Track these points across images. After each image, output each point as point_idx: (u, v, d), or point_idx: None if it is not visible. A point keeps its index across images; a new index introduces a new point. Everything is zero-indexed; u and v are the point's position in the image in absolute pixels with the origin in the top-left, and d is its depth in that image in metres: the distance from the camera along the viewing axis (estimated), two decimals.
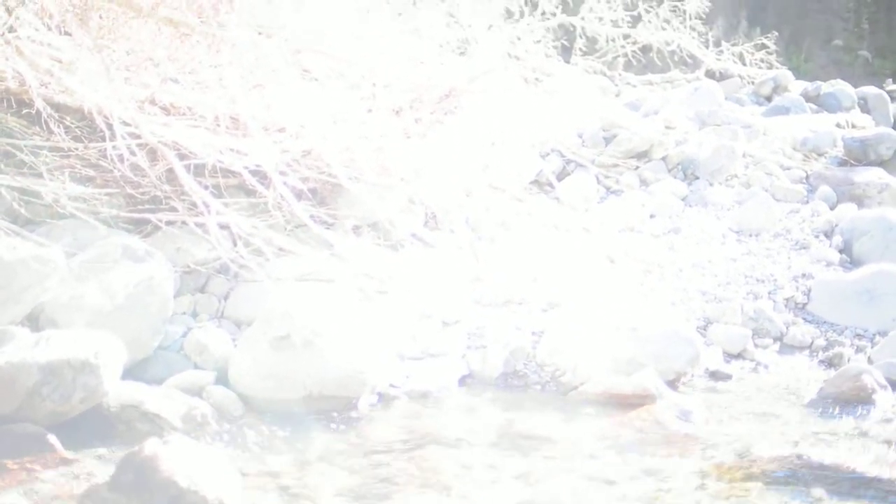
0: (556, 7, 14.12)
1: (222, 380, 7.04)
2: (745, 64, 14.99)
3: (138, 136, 8.19)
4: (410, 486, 6.01)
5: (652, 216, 10.03)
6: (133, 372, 6.96)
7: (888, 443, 6.89)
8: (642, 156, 11.05)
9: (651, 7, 14.47)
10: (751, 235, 9.76)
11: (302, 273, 7.85)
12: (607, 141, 11.23)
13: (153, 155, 8.25)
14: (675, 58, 14.87)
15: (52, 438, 6.09)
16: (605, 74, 14.92)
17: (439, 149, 9.79)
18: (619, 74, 15.31)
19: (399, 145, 9.35)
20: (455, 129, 10.23)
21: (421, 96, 10.35)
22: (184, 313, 7.70)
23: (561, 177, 10.53)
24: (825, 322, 8.60)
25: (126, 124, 8.16)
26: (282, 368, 6.93)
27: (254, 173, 8.33)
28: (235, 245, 7.88)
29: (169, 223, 7.98)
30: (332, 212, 8.58)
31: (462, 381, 7.58)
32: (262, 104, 8.96)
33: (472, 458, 6.42)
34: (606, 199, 10.35)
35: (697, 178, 10.76)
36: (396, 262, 8.46)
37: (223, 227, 7.90)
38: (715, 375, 7.89)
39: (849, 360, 8.13)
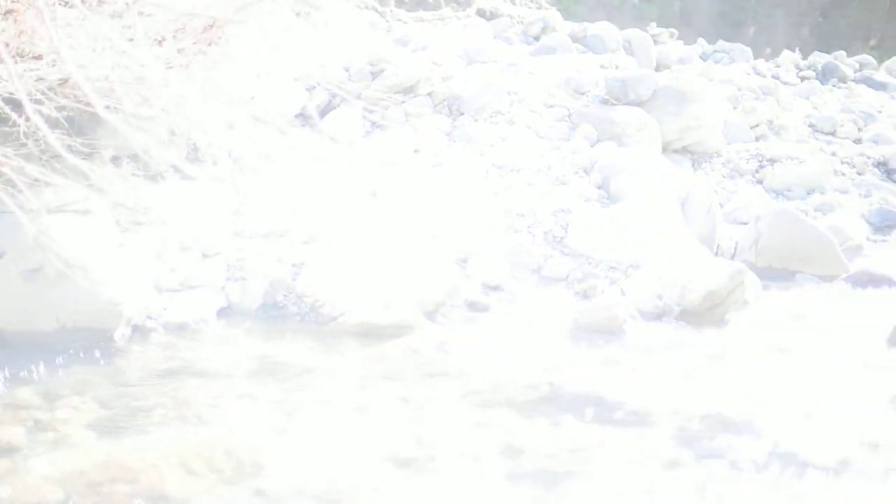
0: None
1: None
2: (514, 3, 15.17)
3: None
4: (164, 418, 5.98)
5: (416, 151, 10.07)
6: None
7: (635, 370, 7.16)
8: (408, 91, 11.07)
9: None
10: (513, 171, 9.89)
11: (57, 204, 7.63)
12: (374, 76, 11.21)
13: None
14: None
15: None
16: (376, 10, 14.88)
17: (202, 80, 9.63)
18: (391, 10, 15.30)
19: (161, 75, 9.15)
20: (219, 60, 10.08)
21: (184, 26, 10.14)
22: None
23: (326, 111, 10.48)
24: (581, 255, 8.79)
25: None
26: (34, 301, 6.79)
27: (7, 101, 8.06)
28: None
29: None
30: (90, 142, 8.35)
31: (221, 312, 7.54)
32: (15, 30, 8.66)
33: (228, 389, 6.42)
34: (371, 133, 10.35)
35: (462, 114, 10.83)
36: (156, 194, 8.32)
37: None
38: (474, 306, 8.01)
39: (603, 292, 8.35)
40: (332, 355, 7.04)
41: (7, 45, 8.36)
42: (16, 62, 8.22)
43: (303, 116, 10.32)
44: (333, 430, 6.00)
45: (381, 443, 5.87)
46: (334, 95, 10.73)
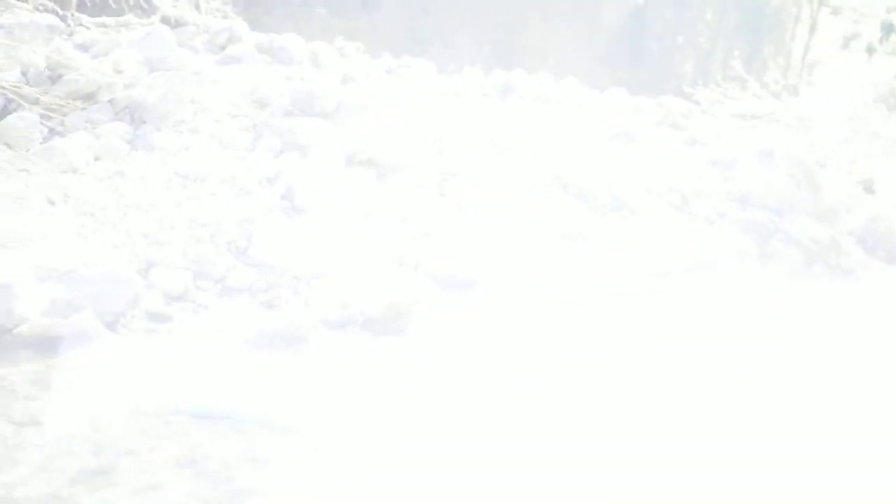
0: None
1: None
2: (201, 12, 15.04)
3: None
4: None
5: (97, 159, 9.86)
6: None
7: (315, 378, 7.25)
8: (89, 97, 10.84)
9: None
10: (196, 181, 9.81)
11: None
12: (53, 81, 10.93)
13: None
14: (131, 2, 14.70)
15: None
16: (56, 13, 14.46)
17: None
18: (72, 14, 14.90)
19: None
20: None
21: None
22: None
23: (1, 115, 10.13)
24: (265, 265, 8.81)
25: None
26: None
27: None
28: None
29: None
30: None
31: None
32: None
33: None
34: (50, 139, 10.06)
35: (145, 122, 10.68)
36: None
37: None
38: (155, 317, 7.91)
39: (287, 302, 8.40)
40: (7, 368, 6.82)
41: None
42: None
43: None
44: (10, 446, 5.84)
45: (61, 455, 5.78)
46: (10, 100, 10.40)
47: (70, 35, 13.79)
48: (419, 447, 6.31)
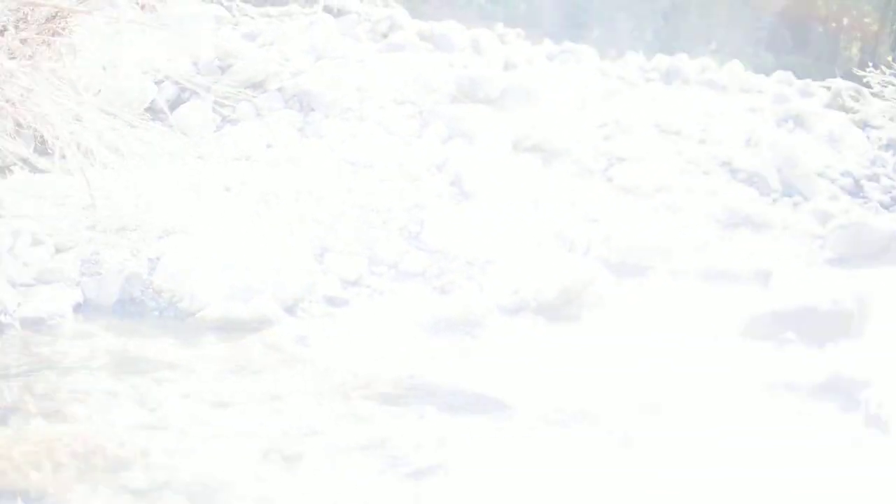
0: None
1: None
2: (362, 1, 15.15)
3: None
4: (25, 413, 5.81)
5: (269, 146, 10.01)
6: None
7: (494, 363, 7.23)
8: (258, 86, 11.00)
9: None
10: (365, 167, 9.90)
11: None
12: (223, 70, 11.12)
13: None
14: None
15: None
16: (222, 4, 14.70)
17: (47, 71, 9.41)
18: (237, 5, 15.13)
19: (4, 66, 8.91)
20: (64, 51, 9.86)
21: (26, 16, 9.90)
22: None
23: (176, 105, 10.33)
24: (437, 251, 8.85)
25: None
26: None
27: None
28: None
29: None
30: None
31: (77, 307, 7.37)
32: None
33: (88, 383, 6.28)
34: (223, 127, 10.25)
35: (313, 109, 10.80)
36: (5, 187, 8.11)
37: None
38: (332, 301, 7.99)
39: (460, 287, 8.41)
40: (192, 350, 6.94)
41: None
42: None
43: (152, 110, 10.14)
44: (197, 425, 5.91)
45: (247, 437, 5.81)
46: (184, 89, 10.59)
47: (236, 25, 14.01)
48: (616, 432, 6.21)
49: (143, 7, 11.81)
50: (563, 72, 13.99)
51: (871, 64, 14.86)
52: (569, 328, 8.00)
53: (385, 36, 14.12)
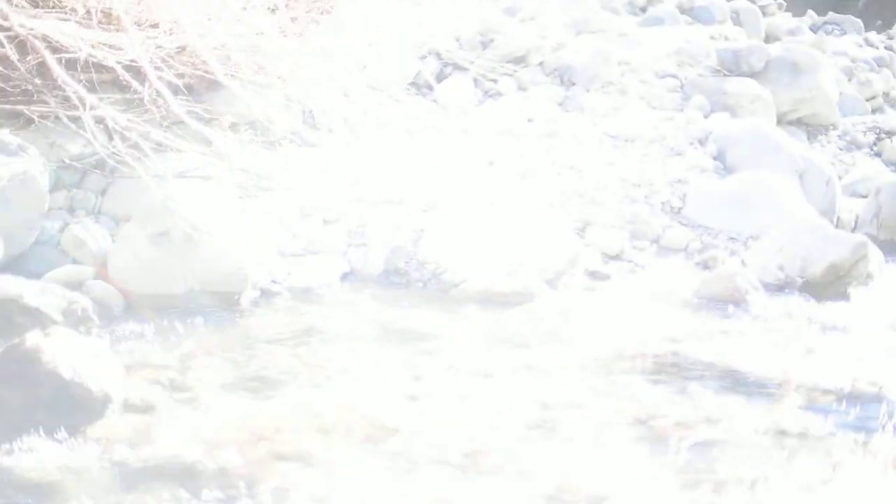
0: None
1: (101, 275, 6.94)
2: None
3: (7, 29, 7.97)
4: (295, 380, 6.01)
5: (530, 120, 10.01)
6: (10, 267, 6.84)
7: (760, 341, 7.08)
8: (519, 61, 11.00)
9: None
10: (626, 141, 9.81)
11: (181, 169, 7.71)
12: (484, 45, 11.16)
13: (22, 48, 8.02)
14: None
15: None
16: None
17: (316, 48, 9.67)
18: None
19: (275, 44, 9.21)
20: (332, 28, 10.11)
21: None
22: (60, 209, 7.53)
23: (438, 79, 10.45)
24: (700, 226, 8.72)
25: None
26: (162, 264, 6.86)
27: (127, 69, 8.15)
28: (111, 140, 7.72)
29: (42, 117, 7.77)
30: (208, 109, 8.42)
31: (344, 277, 7.56)
32: None
33: (355, 353, 6.45)
34: (484, 102, 10.30)
35: (574, 84, 10.75)
36: (275, 160, 8.37)
37: (98, 121, 7.73)
38: (593, 275, 7.96)
39: (723, 263, 8.27)
40: (455, 322, 7.02)
41: (127, 12, 8.46)
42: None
43: (415, 85, 10.30)
44: (461, 395, 5.99)
45: (509, 408, 5.85)
46: (446, 64, 10.71)
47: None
48: None
49: None
50: (827, 43, 13.56)
51: None
52: (837, 306, 7.75)
53: (643, 9, 13.94)
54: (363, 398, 5.81)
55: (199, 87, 8.60)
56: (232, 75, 8.57)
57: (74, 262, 7.08)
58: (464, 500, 4.93)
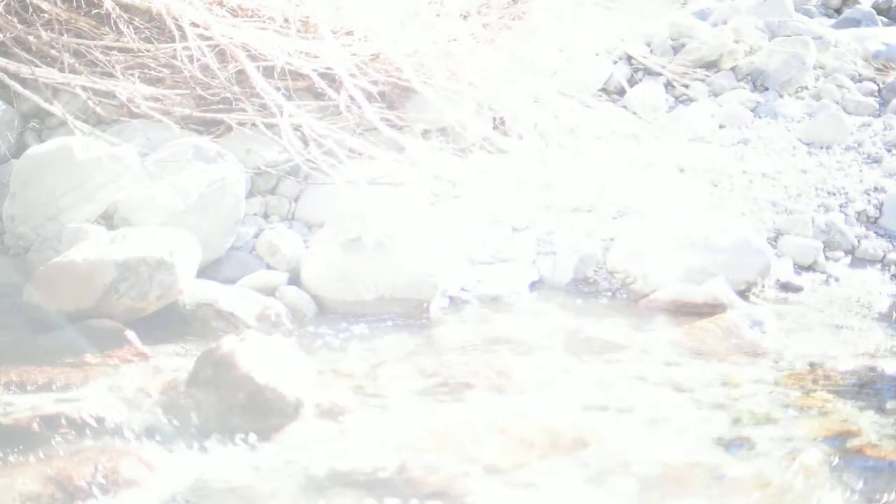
0: None
1: (294, 281, 7.12)
2: None
3: (208, 38, 8.22)
4: (483, 388, 6.03)
5: (721, 126, 9.89)
6: (206, 271, 7.04)
7: None
8: (711, 65, 10.89)
9: None
10: (821, 148, 9.62)
11: (373, 176, 7.83)
12: (675, 50, 11.08)
13: (222, 56, 8.27)
14: None
15: (130, 334, 6.20)
16: None
17: (508, 54, 9.72)
18: None
19: (467, 50, 9.28)
20: (523, 34, 10.15)
21: (489, 1, 10.27)
22: (255, 214, 7.75)
23: (629, 85, 10.39)
24: None
25: (195, 25, 8.19)
26: (353, 270, 6.97)
27: (322, 76, 8.33)
28: (306, 147, 7.90)
29: (240, 124, 8.00)
30: (401, 115, 8.54)
31: (532, 286, 7.57)
32: (331, 6, 8.93)
33: (543, 361, 6.43)
34: (675, 108, 10.21)
35: (767, 88, 10.59)
36: (466, 167, 8.43)
37: (294, 128, 7.91)
38: (786, 287, 7.80)
39: None
40: (644, 332, 6.96)
41: (324, 21, 8.64)
42: None
43: (605, 91, 10.27)
44: (652, 408, 5.93)
45: (701, 421, 5.79)
46: (636, 70, 10.66)
47: (684, 4, 13.89)
48: None
49: None
50: None
51: None
52: None
53: (838, 11, 13.63)
54: (552, 408, 5.80)
55: (391, 94, 8.73)
56: (425, 82, 8.67)
57: (268, 267, 7.26)
58: None
